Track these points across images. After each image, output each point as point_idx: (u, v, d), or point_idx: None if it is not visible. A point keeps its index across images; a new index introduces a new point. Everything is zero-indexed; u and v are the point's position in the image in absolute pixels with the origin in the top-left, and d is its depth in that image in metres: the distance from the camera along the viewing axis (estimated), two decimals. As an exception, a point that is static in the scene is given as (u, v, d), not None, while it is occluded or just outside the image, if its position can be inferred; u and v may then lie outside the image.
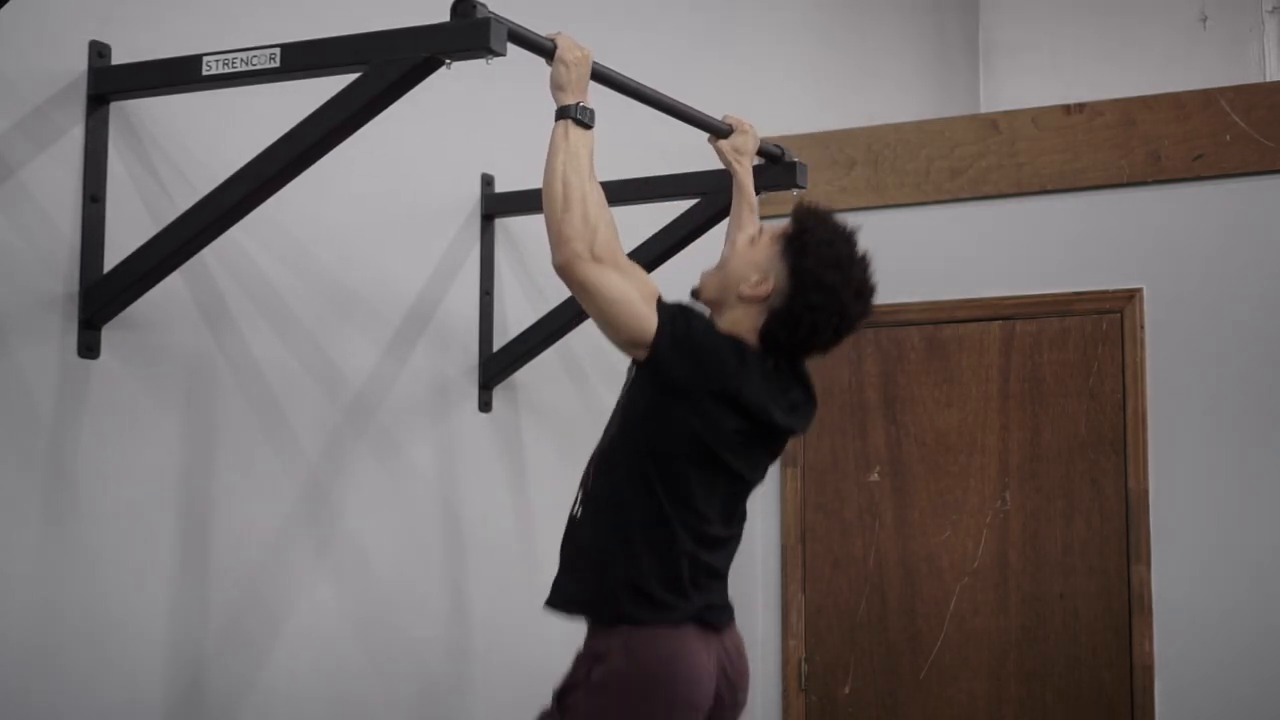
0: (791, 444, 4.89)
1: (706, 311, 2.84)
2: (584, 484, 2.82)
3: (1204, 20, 7.07)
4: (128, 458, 2.83)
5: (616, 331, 2.68)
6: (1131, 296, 4.60)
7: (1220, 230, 4.53)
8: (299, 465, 3.23)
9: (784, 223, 2.85)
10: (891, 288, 4.91)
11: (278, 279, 3.19)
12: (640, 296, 2.67)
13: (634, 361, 2.76)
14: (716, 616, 2.79)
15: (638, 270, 2.73)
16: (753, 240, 2.88)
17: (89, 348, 2.75)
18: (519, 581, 3.81)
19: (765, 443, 2.83)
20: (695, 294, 2.91)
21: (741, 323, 2.79)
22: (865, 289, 2.84)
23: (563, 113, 2.73)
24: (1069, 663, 4.60)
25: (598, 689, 2.67)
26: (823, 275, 2.76)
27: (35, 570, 2.65)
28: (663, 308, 2.70)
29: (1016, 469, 4.71)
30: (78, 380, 2.74)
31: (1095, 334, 4.65)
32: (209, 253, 2.95)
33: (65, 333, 2.72)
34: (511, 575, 3.81)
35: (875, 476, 4.88)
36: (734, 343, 2.75)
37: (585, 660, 2.72)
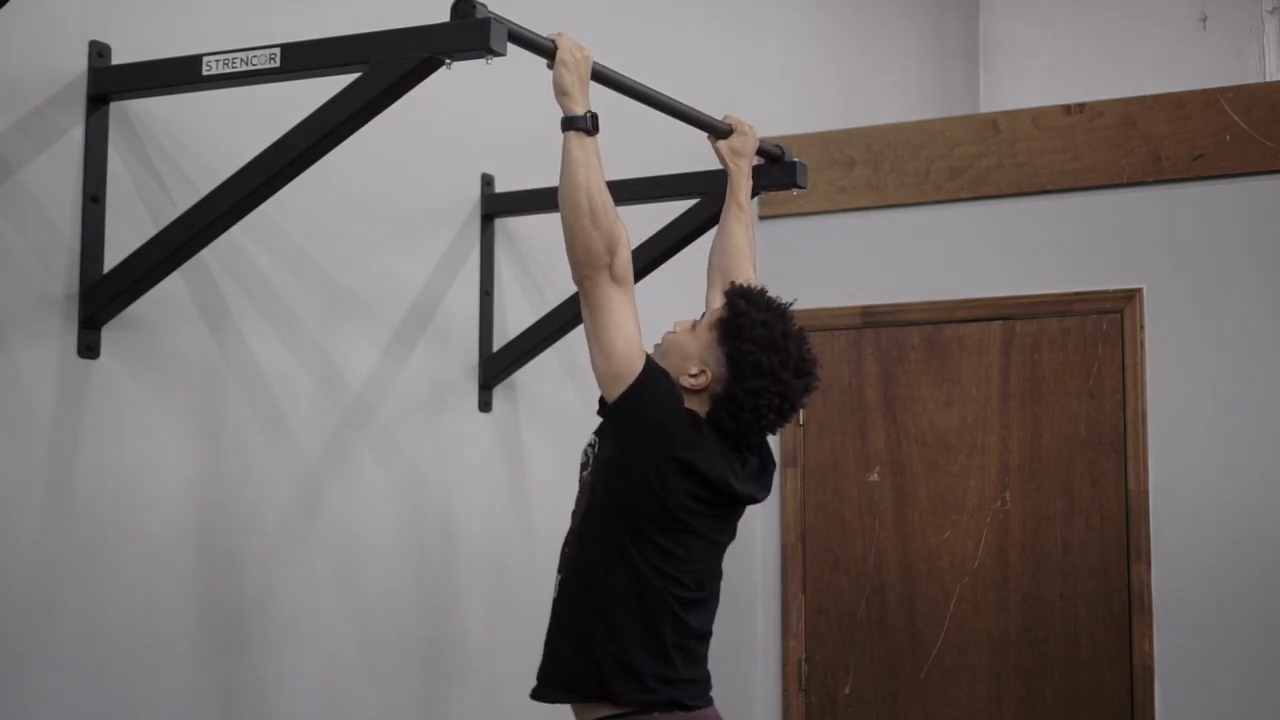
0: (791, 444, 4.93)
1: None
2: (560, 567, 2.85)
3: (1204, 20, 7.07)
4: (128, 458, 2.83)
5: (608, 356, 2.69)
6: (1131, 296, 4.60)
7: (1220, 230, 4.53)
8: (299, 465, 3.22)
9: (718, 308, 2.88)
10: (891, 288, 4.97)
11: (278, 279, 3.19)
12: (637, 331, 2.71)
13: (601, 410, 2.77)
14: (698, 696, 2.80)
15: (636, 305, 2.75)
16: (693, 326, 2.90)
17: (89, 348, 2.75)
18: (519, 581, 3.81)
19: (725, 508, 2.85)
20: None
21: (690, 408, 2.82)
22: (804, 366, 2.84)
23: (572, 123, 2.73)
24: (1069, 663, 4.60)
25: None
26: (759, 359, 2.77)
27: (35, 570, 2.65)
28: (650, 358, 2.74)
29: (1016, 469, 4.71)
30: (78, 380, 2.74)
31: (1095, 334, 4.65)
32: (209, 253, 2.95)
33: (65, 333, 2.72)
34: (511, 575, 3.81)
35: (875, 476, 4.88)
36: (693, 416, 2.78)
37: None
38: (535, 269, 3.90)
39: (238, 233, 2.99)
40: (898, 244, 4.93)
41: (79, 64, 2.77)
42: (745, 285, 2.91)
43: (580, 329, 3.69)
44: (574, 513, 2.86)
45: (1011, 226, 4.79)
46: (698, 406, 2.81)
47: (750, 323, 2.80)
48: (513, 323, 3.83)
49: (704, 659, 2.86)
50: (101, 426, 2.78)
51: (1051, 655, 4.62)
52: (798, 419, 4.92)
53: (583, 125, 2.73)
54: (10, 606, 2.60)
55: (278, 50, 2.68)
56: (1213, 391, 4.49)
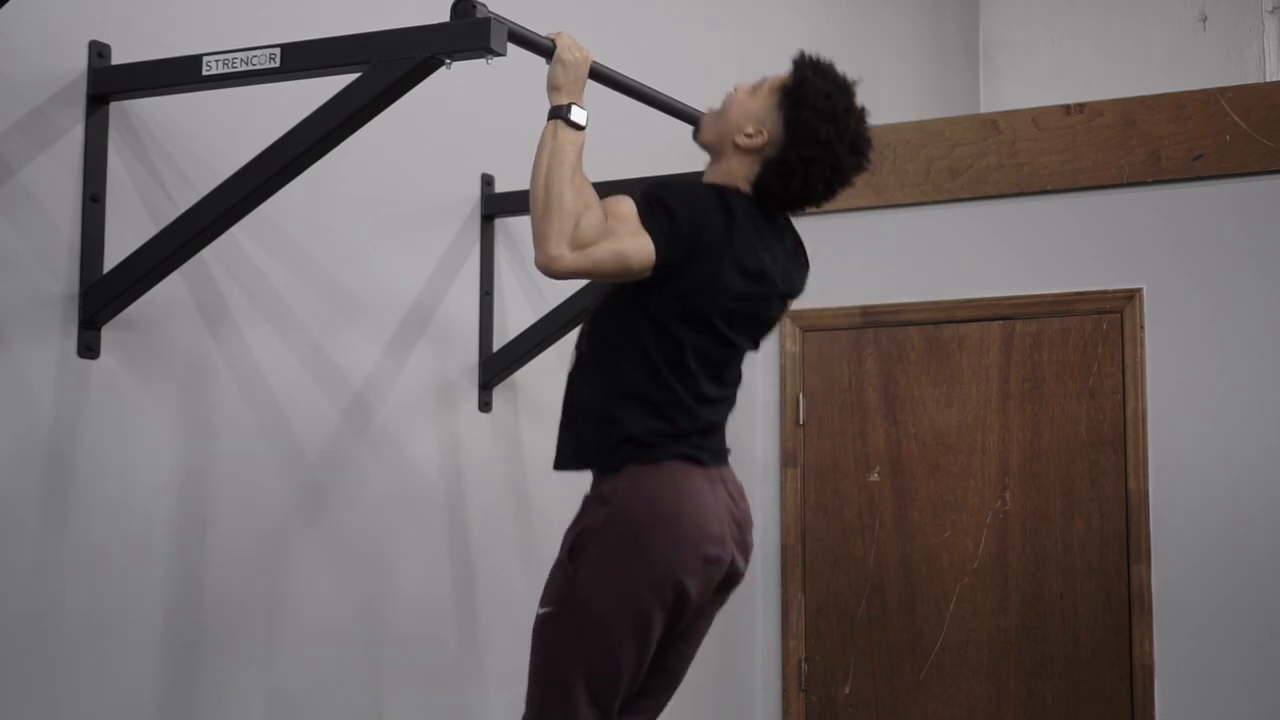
0: (792, 444, 4.93)
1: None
2: (578, 344, 2.84)
3: (1204, 20, 7.07)
4: (128, 458, 2.83)
5: (630, 277, 2.68)
6: (1131, 296, 4.60)
7: (1220, 230, 4.53)
8: (299, 465, 3.22)
9: (783, 74, 2.86)
10: (891, 288, 4.97)
11: (278, 279, 3.19)
12: (626, 235, 2.65)
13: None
14: (715, 457, 2.80)
15: (612, 210, 2.67)
16: (754, 89, 2.87)
17: (89, 348, 2.75)
18: (519, 580, 3.81)
19: (762, 302, 2.83)
20: (695, 134, 2.93)
21: (735, 172, 2.81)
22: (860, 142, 2.85)
23: (554, 113, 2.72)
24: (1069, 663, 4.60)
25: (606, 529, 2.69)
26: (817, 127, 2.78)
27: (35, 570, 2.65)
28: (644, 214, 2.67)
29: (1016, 469, 4.71)
30: (78, 380, 2.74)
31: (1095, 334, 4.65)
32: (209, 253, 2.95)
33: (65, 333, 2.72)
34: (511, 574, 3.81)
35: (875, 476, 4.88)
36: (719, 199, 2.76)
37: (592, 503, 2.75)
38: (535, 269, 3.89)
39: (238, 233, 2.99)
40: (898, 244, 4.93)
41: (79, 64, 2.77)
42: (814, 56, 2.89)
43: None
44: (601, 288, 2.84)
45: (1011, 226, 4.79)
46: (746, 169, 2.80)
47: (814, 91, 2.80)
48: (513, 323, 3.83)
49: (722, 438, 2.85)
50: (101, 426, 2.78)
51: (1051, 655, 4.62)
52: (797, 418, 4.92)
53: (562, 115, 2.70)
54: (10, 606, 2.60)
55: (278, 50, 2.68)
56: (1213, 391, 4.49)
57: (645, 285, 2.71)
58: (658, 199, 2.70)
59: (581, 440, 2.79)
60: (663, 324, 2.72)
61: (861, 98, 2.87)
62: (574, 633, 2.68)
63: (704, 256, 2.70)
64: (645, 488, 2.69)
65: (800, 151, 2.78)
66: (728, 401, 2.87)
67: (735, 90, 2.90)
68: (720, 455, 2.83)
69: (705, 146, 2.90)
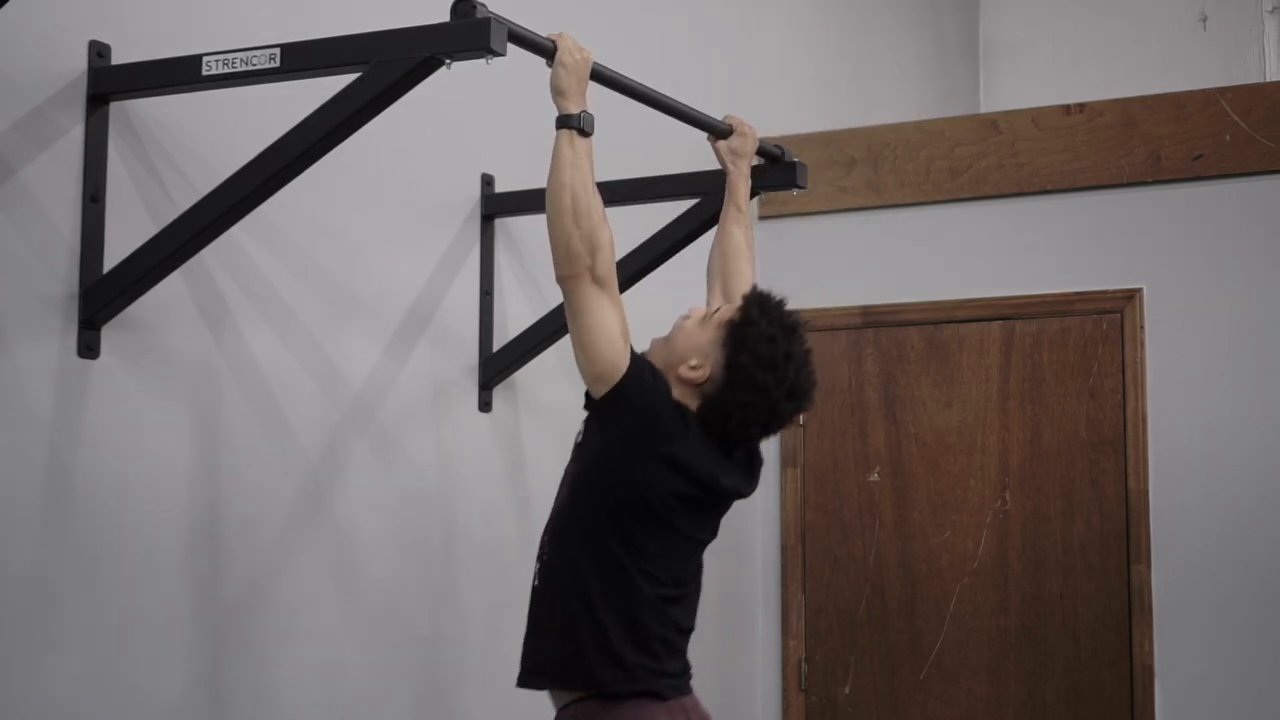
0: (792, 444, 4.93)
1: None
2: (540, 555, 2.84)
3: (1204, 20, 7.07)
4: (128, 458, 2.83)
5: (590, 360, 2.69)
6: (1131, 296, 4.60)
7: (1220, 230, 4.53)
8: (299, 465, 3.22)
9: (733, 308, 2.86)
10: (891, 288, 4.97)
11: (278, 279, 3.19)
12: (621, 333, 2.70)
13: (587, 404, 2.77)
14: (676, 688, 2.80)
15: (621, 306, 2.74)
16: (704, 319, 2.88)
17: (89, 348, 2.75)
18: (519, 581, 3.81)
19: (708, 506, 2.84)
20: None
21: (681, 399, 2.80)
22: (798, 390, 2.83)
23: (566, 121, 2.73)
24: (1069, 663, 4.60)
25: None
26: (754, 374, 2.77)
27: (35, 570, 2.65)
28: (635, 356, 2.72)
29: (1016, 469, 4.71)
30: (78, 380, 2.74)
31: (1095, 334, 4.65)
32: (209, 253, 2.95)
33: (65, 333, 2.72)
34: (511, 575, 3.81)
35: (875, 476, 4.88)
36: (681, 409, 2.77)
37: None
38: (535, 269, 3.90)
39: (238, 233, 2.99)
40: (898, 244, 4.93)
41: (79, 64, 2.77)
42: (765, 293, 2.88)
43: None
44: (557, 498, 2.86)
45: (1011, 226, 4.80)
46: (689, 399, 2.80)
47: (756, 335, 2.78)
48: (513, 323, 3.83)
49: (684, 651, 2.85)
50: (101, 426, 2.78)
51: (1051, 655, 4.62)
52: (797, 419, 4.92)
53: (575, 125, 2.72)
54: (10, 606, 2.60)
55: (278, 50, 2.68)
56: (1213, 391, 4.49)
57: (601, 480, 2.72)
58: (652, 367, 2.75)
59: (548, 653, 2.77)
60: (619, 522, 2.72)
61: (808, 339, 2.87)
62: None
63: (650, 434, 2.70)
64: None
65: (738, 395, 2.77)
66: (691, 598, 2.87)
67: (690, 314, 2.90)
68: (682, 684, 2.82)
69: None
